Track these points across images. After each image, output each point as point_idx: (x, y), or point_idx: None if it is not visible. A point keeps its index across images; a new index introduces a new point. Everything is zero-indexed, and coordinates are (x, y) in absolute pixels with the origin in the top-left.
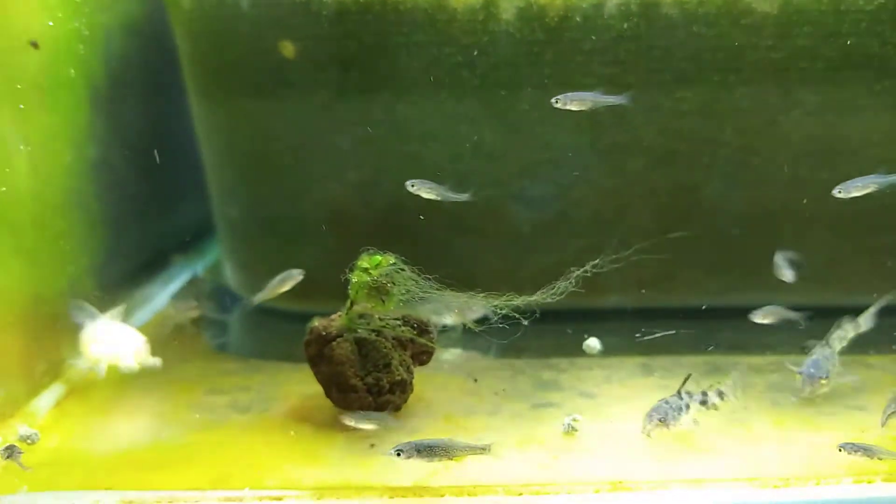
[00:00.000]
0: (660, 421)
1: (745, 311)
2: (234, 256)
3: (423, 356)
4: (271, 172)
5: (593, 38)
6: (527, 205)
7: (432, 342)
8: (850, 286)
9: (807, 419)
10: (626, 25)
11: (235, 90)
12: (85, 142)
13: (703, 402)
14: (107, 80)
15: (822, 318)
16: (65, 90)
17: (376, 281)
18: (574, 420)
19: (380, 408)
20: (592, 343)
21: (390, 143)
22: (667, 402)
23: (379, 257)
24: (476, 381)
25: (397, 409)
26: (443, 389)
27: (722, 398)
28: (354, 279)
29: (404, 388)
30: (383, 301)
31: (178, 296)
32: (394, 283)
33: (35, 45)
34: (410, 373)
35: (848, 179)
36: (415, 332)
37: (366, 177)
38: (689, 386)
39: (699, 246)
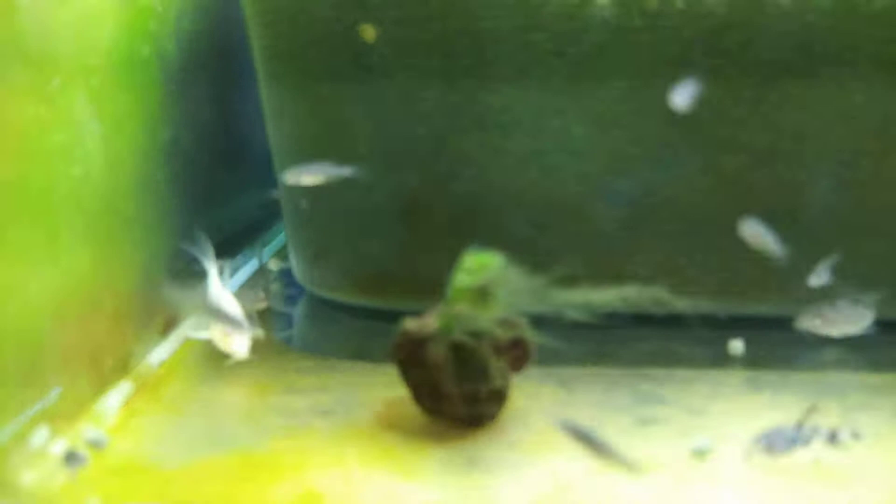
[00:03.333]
0: (765, 448)
1: None
2: (301, 248)
3: (518, 363)
4: (341, 161)
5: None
6: (615, 202)
7: (531, 348)
8: None
9: None
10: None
11: (307, 74)
12: (157, 124)
13: (833, 439)
14: (178, 60)
15: None
16: (138, 68)
17: (481, 285)
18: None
19: (474, 418)
20: (737, 345)
21: (470, 133)
22: (779, 430)
23: (486, 257)
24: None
25: (492, 419)
26: (535, 398)
27: (857, 438)
28: (458, 282)
29: (501, 397)
30: (488, 307)
31: (245, 286)
32: (499, 287)
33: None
34: (506, 381)
35: None
36: (514, 337)
37: (443, 168)
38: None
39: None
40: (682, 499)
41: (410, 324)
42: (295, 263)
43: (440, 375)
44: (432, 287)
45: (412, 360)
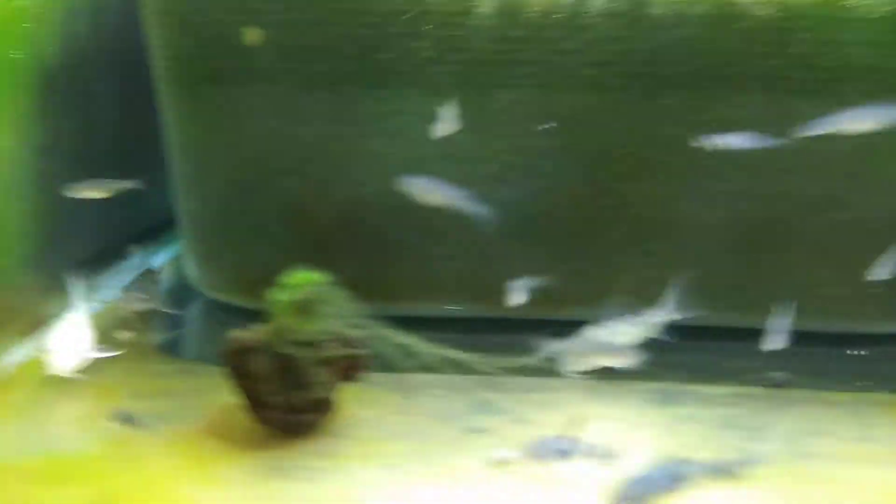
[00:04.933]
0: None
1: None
2: (194, 251)
3: (352, 373)
4: (233, 165)
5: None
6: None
7: (362, 359)
8: None
9: None
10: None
11: (196, 76)
12: (30, 126)
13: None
14: (63, 62)
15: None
16: (5, 71)
17: (300, 300)
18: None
19: (292, 426)
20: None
21: (353, 139)
22: (546, 441)
23: (307, 275)
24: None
25: (314, 428)
26: (371, 406)
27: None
28: (277, 296)
29: (322, 406)
30: (310, 321)
31: (128, 288)
32: (321, 303)
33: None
34: (330, 391)
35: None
36: (344, 349)
37: (327, 173)
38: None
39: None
40: None
41: (238, 333)
42: (189, 265)
43: (262, 385)
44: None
45: (238, 369)
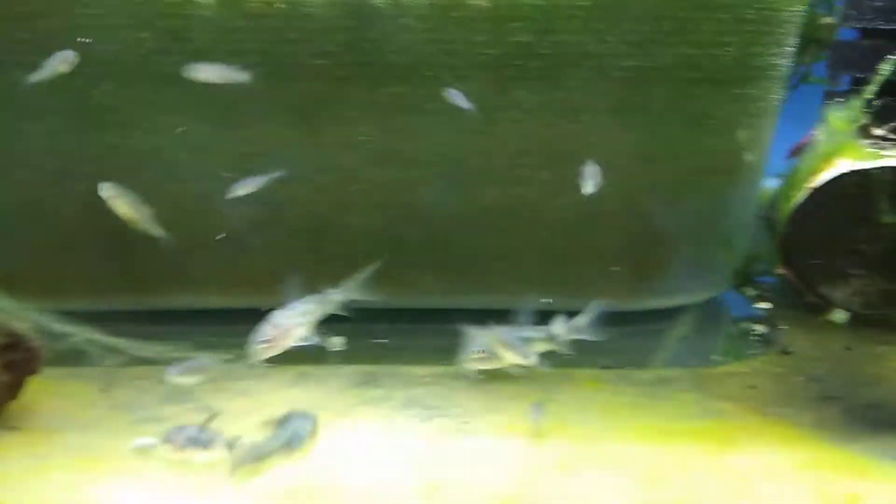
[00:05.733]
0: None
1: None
2: None
3: (29, 365)
4: None
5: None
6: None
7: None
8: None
9: None
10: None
11: None
12: None
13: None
14: None
15: None
16: None
17: None
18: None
19: None
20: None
21: (85, 131)
22: (185, 429)
23: None
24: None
25: None
26: (65, 398)
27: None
28: None
29: None
30: None
31: None
32: None
33: None
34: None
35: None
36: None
37: (60, 167)
38: None
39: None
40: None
41: None
42: None
43: None
44: (59, 286)
45: None
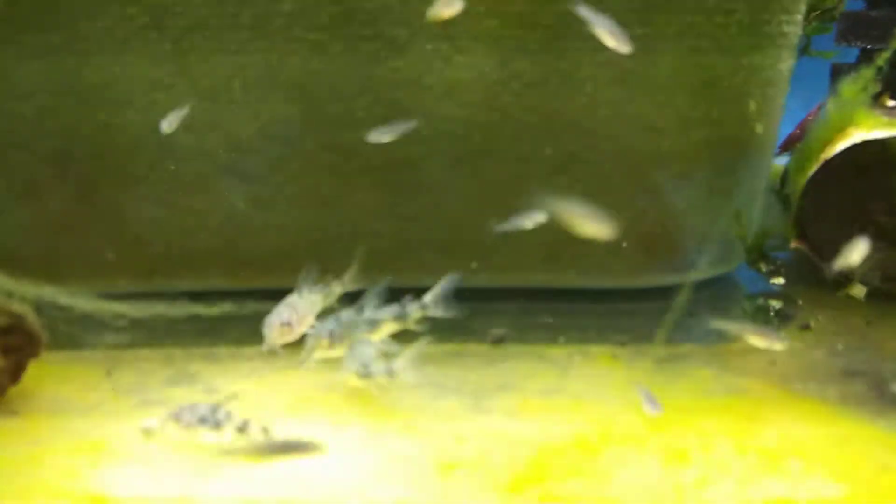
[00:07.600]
0: (174, 419)
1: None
2: None
3: (31, 349)
4: None
5: None
6: (236, 179)
7: (35, 334)
8: None
9: None
10: None
11: None
12: None
13: (243, 429)
14: None
15: None
16: None
17: None
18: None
19: None
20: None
21: (77, 109)
22: (193, 407)
23: None
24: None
25: None
26: (67, 382)
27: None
28: None
29: None
30: None
31: None
32: None
33: None
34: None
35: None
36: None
37: (54, 145)
38: None
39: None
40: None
41: None
42: None
43: None
44: (58, 267)
45: None
